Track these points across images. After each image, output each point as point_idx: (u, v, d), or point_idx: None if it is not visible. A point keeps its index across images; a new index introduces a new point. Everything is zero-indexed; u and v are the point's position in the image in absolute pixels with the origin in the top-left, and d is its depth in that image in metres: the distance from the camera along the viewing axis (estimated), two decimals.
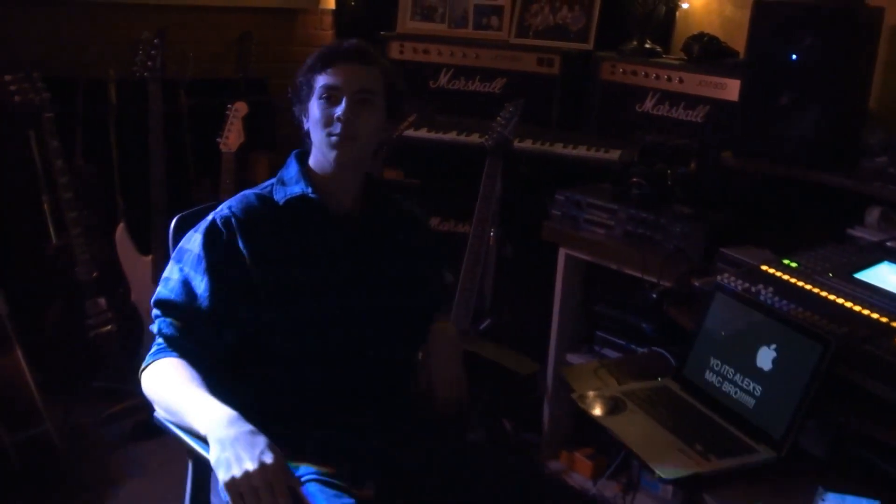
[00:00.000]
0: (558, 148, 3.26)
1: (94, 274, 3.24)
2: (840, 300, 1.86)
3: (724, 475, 1.66)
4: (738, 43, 2.99)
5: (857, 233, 2.35)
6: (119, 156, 3.54)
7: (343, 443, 1.73)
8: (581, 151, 3.23)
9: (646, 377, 2.04)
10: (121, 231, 3.27)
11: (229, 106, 3.31)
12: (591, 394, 1.95)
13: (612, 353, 2.87)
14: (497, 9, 3.63)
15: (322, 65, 1.80)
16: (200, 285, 1.72)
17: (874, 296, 1.86)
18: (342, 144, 1.78)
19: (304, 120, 1.86)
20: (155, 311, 1.76)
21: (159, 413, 1.68)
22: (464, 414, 1.93)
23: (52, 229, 3.26)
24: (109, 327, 3.27)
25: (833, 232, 2.40)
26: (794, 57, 2.49)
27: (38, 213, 3.26)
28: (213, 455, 1.48)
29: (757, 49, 2.61)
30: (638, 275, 2.63)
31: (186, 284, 1.73)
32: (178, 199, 3.22)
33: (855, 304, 1.84)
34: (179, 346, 1.71)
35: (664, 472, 1.66)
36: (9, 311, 2.89)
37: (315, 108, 1.80)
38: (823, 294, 1.90)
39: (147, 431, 3.07)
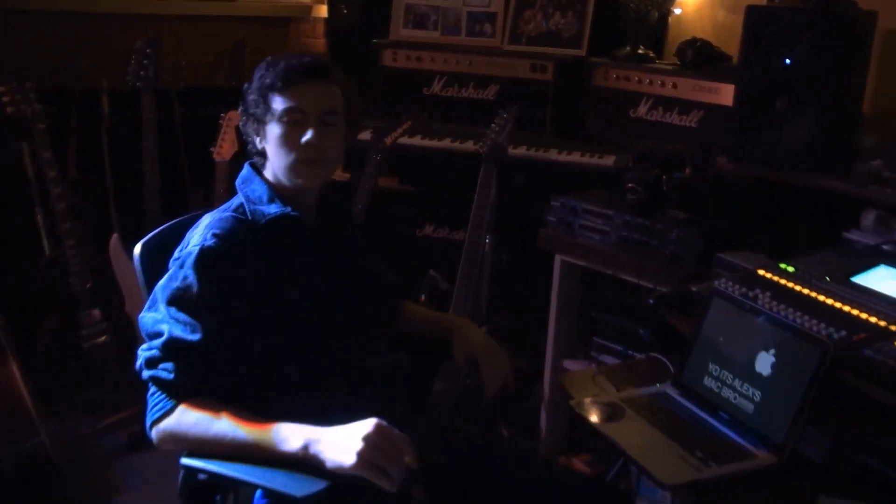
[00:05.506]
0: (553, 154, 3.26)
1: (88, 285, 3.22)
2: (838, 304, 1.86)
3: (725, 481, 1.66)
4: (731, 48, 2.99)
5: (852, 236, 2.36)
6: (112, 166, 3.53)
7: None
8: (575, 157, 3.23)
9: (644, 383, 2.03)
10: (115, 241, 3.26)
11: (223, 115, 3.31)
12: (589, 400, 1.94)
13: (609, 360, 2.86)
14: (490, 15, 3.63)
15: (282, 84, 1.70)
16: (206, 325, 1.62)
17: (872, 299, 1.86)
18: (311, 170, 1.73)
19: (258, 139, 1.78)
20: (153, 354, 1.63)
21: (199, 454, 1.58)
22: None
23: (45, 241, 3.24)
24: (104, 338, 3.26)
25: (829, 236, 2.40)
26: (787, 61, 2.49)
27: (31, 224, 3.25)
28: (329, 456, 1.47)
29: (750, 54, 2.61)
30: (634, 280, 2.63)
31: (189, 325, 1.62)
32: (172, 208, 3.21)
33: (853, 307, 1.84)
34: (191, 388, 1.61)
35: (665, 478, 1.65)
36: (3, 322, 2.87)
37: (277, 131, 1.71)
38: (821, 298, 1.90)
39: (143, 442, 3.05)
